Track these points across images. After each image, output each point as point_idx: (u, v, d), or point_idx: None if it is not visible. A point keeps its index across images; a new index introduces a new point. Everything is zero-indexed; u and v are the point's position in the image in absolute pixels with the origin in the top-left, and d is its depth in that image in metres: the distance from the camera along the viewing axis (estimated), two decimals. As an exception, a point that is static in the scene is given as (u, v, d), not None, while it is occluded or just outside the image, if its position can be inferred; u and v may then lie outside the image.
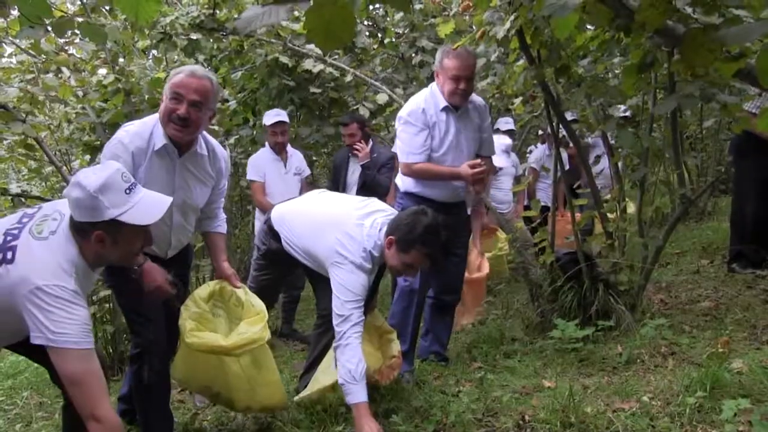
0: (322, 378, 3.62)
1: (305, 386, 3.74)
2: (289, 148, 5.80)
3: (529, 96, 5.19)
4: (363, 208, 3.53)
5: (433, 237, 3.27)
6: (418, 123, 3.98)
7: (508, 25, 3.90)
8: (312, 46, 5.76)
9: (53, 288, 2.22)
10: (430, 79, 7.11)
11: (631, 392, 3.26)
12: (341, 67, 5.72)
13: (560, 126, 4.65)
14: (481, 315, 5.37)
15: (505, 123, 6.90)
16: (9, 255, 2.30)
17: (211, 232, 3.51)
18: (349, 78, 5.73)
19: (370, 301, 3.75)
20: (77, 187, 2.31)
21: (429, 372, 4.09)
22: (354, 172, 5.84)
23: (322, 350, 3.84)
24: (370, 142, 5.79)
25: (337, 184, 5.87)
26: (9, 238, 2.37)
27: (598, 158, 5.29)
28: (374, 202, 3.64)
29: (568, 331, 4.17)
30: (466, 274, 4.77)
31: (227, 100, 6.84)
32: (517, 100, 5.27)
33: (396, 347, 3.72)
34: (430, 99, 4.03)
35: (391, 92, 5.69)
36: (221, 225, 3.53)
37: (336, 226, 3.43)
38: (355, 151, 5.69)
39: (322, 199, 3.88)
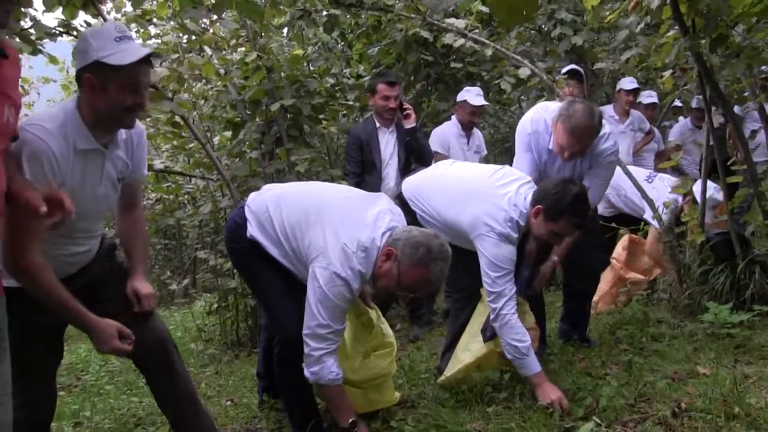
0: (462, 356, 3.60)
1: (446, 365, 3.74)
2: (474, 129, 5.70)
3: (678, 69, 4.91)
4: (501, 178, 3.49)
5: (581, 206, 3.24)
6: (524, 144, 3.79)
7: (665, -7, 3.70)
8: (452, 20, 5.69)
9: (31, 126, 2.27)
10: (569, 52, 6.96)
11: (798, 384, 3.06)
12: (482, 42, 5.60)
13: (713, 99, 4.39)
14: (620, 304, 5.18)
15: (648, 96, 6.60)
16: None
17: None
18: (489, 52, 5.61)
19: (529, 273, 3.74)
20: (80, 36, 2.41)
21: (573, 353, 3.99)
22: (387, 144, 5.20)
23: (461, 327, 3.81)
24: None
25: (368, 162, 5.16)
26: None
27: (754, 133, 4.97)
28: (509, 170, 3.60)
29: (722, 315, 3.97)
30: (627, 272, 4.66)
31: (362, 76, 6.88)
32: (666, 73, 5.01)
33: (531, 319, 3.66)
34: (542, 132, 3.76)
35: (534, 66, 5.52)
36: None
37: (479, 196, 3.41)
38: (407, 112, 5.12)
39: (456, 169, 3.83)
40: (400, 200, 3.77)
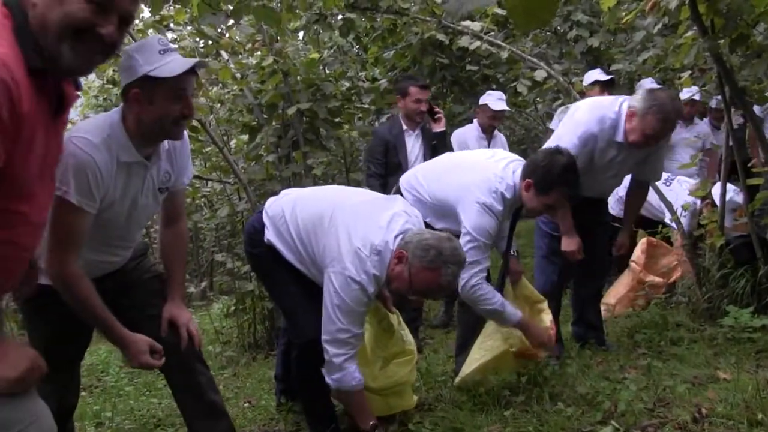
0: (476, 355, 3.60)
1: (460, 367, 3.73)
2: (495, 130, 5.67)
3: (697, 69, 4.88)
4: (491, 156, 3.58)
5: (571, 175, 3.27)
6: (582, 142, 3.70)
7: (683, -6, 3.67)
8: (467, 23, 5.68)
9: (77, 138, 2.27)
10: (585, 54, 6.93)
11: (823, 390, 3.01)
12: (498, 44, 5.59)
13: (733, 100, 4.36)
14: (637, 307, 5.13)
15: (650, 83, 6.39)
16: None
17: None
18: (505, 55, 5.60)
19: (508, 249, 3.77)
20: (123, 53, 2.36)
21: (591, 357, 3.97)
22: (414, 146, 5.14)
23: (472, 327, 3.81)
24: None
25: (392, 164, 5.05)
26: None
27: (774, 134, 4.91)
28: (501, 152, 3.69)
29: (743, 319, 3.94)
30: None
31: (377, 79, 6.89)
32: (685, 74, 4.97)
33: (548, 317, 3.68)
34: (607, 128, 3.70)
35: (550, 69, 5.51)
36: None
37: (466, 169, 3.48)
38: (438, 116, 5.07)
39: (452, 156, 3.96)
40: (396, 191, 3.79)
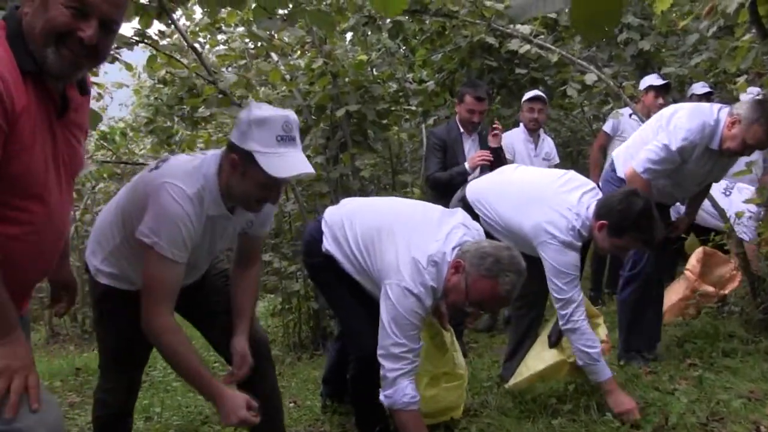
0: (532, 364, 3.59)
1: (511, 372, 3.72)
2: (541, 132, 5.61)
3: (754, 74, 4.78)
4: (565, 184, 3.47)
5: (647, 222, 3.16)
6: (680, 148, 3.65)
7: (743, -3, 3.61)
8: (517, 26, 5.65)
9: (171, 185, 2.25)
10: (635, 57, 6.84)
11: None
12: (548, 47, 5.56)
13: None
14: (688, 316, 5.03)
15: (702, 87, 6.20)
16: (160, 164, 2.43)
17: None
18: (554, 58, 5.56)
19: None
20: (246, 110, 2.31)
21: (639, 366, 3.91)
22: (470, 150, 5.05)
23: (523, 333, 3.81)
24: None
25: (450, 165, 4.98)
26: (171, 157, 2.52)
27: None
28: (573, 175, 3.57)
29: (802, 332, 3.85)
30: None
31: (425, 81, 6.89)
32: (740, 78, 4.88)
33: (603, 331, 3.61)
34: (707, 135, 3.64)
35: (600, 72, 5.44)
36: None
37: (541, 202, 3.38)
38: (495, 132, 4.93)
39: (519, 174, 3.80)
40: (464, 204, 3.77)
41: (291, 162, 2.26)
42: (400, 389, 2.74)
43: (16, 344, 1.65)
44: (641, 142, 3.80)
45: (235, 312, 2.64)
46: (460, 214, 3.07)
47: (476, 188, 3.77)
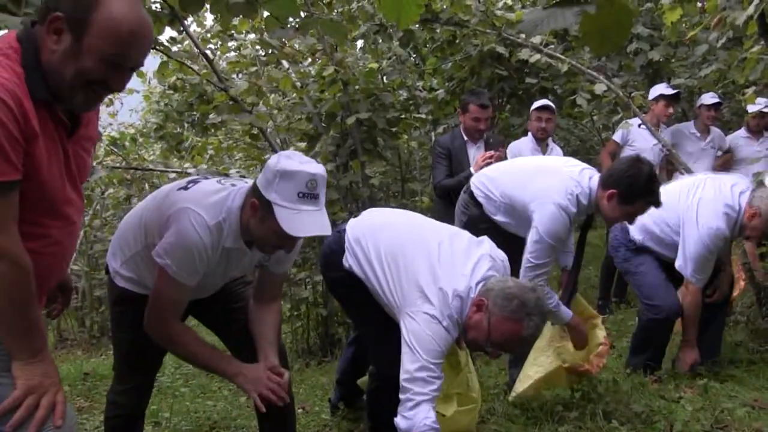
0: (530, 371, 3.60)
1: (513, 380, 3.73)
2: (550, 141, 5.59)
3: (763, 85, 4.81)
4: (567, 162, 3.66)
5: (655, 185, 3.30)
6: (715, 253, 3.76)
7: (751, 9, 3.62)
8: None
9: (193, 212, 2.29)
10: (645, 67, 6.85)
11: None
12: (558, 57, 5.59)
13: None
14: None
15: (711, 97, 6.05)
16: (190, 185, 2.46)
17: None
18: (564, 68, 5.59)
19: (575, 267, 3.77)
20: (277, 157, 2.32)
21: (645, 374, 3.92)
22: (475, 158, 4.93)
23: None
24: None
25: (455, 173, 4.94)
26: (202, 178, 2.54)
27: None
28: (575, 160, 3.74)
29: (807, 342, 3.86)
30: None
31: (435, 89, 6.92)
32: (749, 90, 4.90)
33: (602, 333, 3.67)
34: (731, 226, 3.74)
35: (609, 82, 5.47)
36: None
37: (544, 172, 3.55)
38: (487, 161, 4.61)
39: (530, 159, 4.11)
40: (468, 193, 3.82)
41: (307, 221, 2.26)
42: (421, 413, 2.57)
43: (47, 362, 1.72)
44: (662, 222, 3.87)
45: (259, 344, 2.60)
46: (486, 244, 2.94)
47: (479, 175, 3.89)
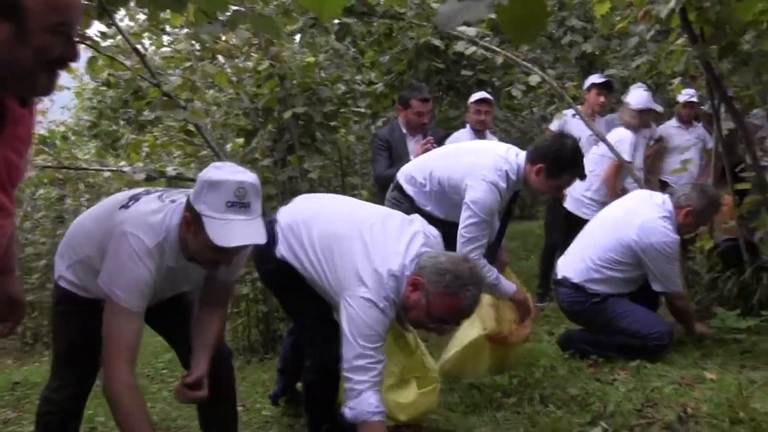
0: (455, 342, 3.74)
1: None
2: (488, 132, 5.58)
3: (688, 76, 4.95)
4: (493, 143, 3.92)
5: (580, 156, 3.44)
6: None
7: (672, 3, 3.73)
8: (463, 28, 5.72)
9: (133, 236, 2.24)
10: (579, 59, 7.00)
11: (805, 391, 3.08)
12: (493, 50, 5.65)
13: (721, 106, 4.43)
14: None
15: (685, 95, 6.03)
16: (131, 203, 2.41)
17: None
18: (499, 60, 5.66)
19: (498, 243, 3.88)
20: (207, 168, 2.28)
21: (581, 358, 4.02)
22: (414, 152, 4.98)
23: None
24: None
25: (395, 166, 4.72)
26: (144, 193, 2.49)
27: (763, 140, 4.98)
28: (502, 143, 3.92)
29: (729, 321, 4.02)
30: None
31: (373, 83, 6.94)
32: (676, 80, 5.05)
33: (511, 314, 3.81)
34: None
35: (544, 74, 5.56)
36: None
37: (472, 151, 3.68)
38: (426, 147, 4.68)
39: (455, 144, 4.24)
40: (397, 189, 3.88)
41: (238, 231, 2.20)
42: (364, 400, 2.57)
43: None
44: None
45: (195, 349, 2.55)
46: (418, 221, 2.93)
47: (404, 170, 3.95)
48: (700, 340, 4.06)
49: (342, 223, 2.87)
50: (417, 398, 3.10)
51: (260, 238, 2.26)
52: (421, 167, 3.80)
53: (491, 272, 3.49)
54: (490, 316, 3.67)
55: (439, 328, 2.76)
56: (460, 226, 3.47)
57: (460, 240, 3.46)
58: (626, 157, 5.27)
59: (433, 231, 2.94)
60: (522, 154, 3.52)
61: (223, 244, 2.18)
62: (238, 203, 2.21)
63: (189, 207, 2.27)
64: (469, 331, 3.67)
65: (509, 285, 3.61)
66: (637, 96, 5.55)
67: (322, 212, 3.01)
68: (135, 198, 2.46)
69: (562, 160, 3.39)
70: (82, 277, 2.51)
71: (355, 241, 2.74)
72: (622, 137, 5.44)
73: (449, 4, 1.31)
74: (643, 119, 5.53)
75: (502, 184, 3.44)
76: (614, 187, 5.43)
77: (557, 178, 3.43)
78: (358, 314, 2.59)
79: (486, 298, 3.66)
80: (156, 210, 2.36)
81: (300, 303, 3.03)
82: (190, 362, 2.55)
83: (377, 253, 2.68)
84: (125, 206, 2.41)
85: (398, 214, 2.99)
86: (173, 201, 2.40)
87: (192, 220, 2.25)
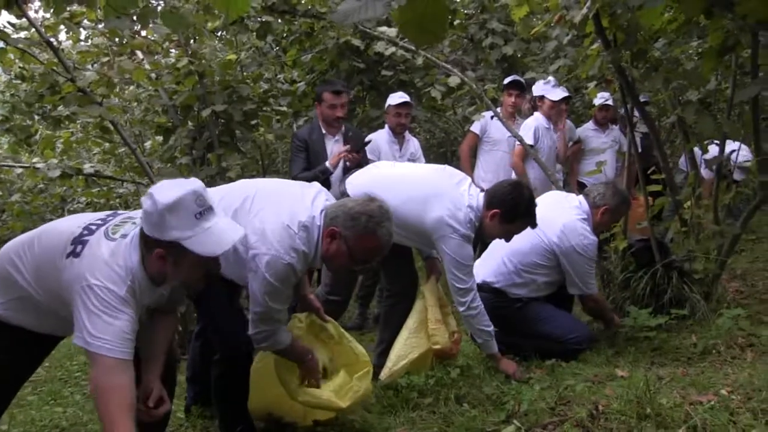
0: (404, 351, 3.69)
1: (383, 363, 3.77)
2: (407, 134, 5.59)
3: (603, 80, 5.08)
4: (451, 176, 3.74)
5: (534, 207, 3.57)
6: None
7: (585, 9, 3.82)
8: (384, 28, 5.74)
9: (102, 290, 2.16)
10: (500, 61, 7.09)
11: (708, 385, 3.18)
12: (413, 50, 5.67)
13: (634, 110, 4.56)
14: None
15: (600, 98, 6.21)
16: (78, 248, 2.28)
17: None
18: (419, 61, 5.69)
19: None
20: (149, 199, 2.21)
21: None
22: (333, 152, 4.99)
23: (397, 325, 3.84)
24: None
25: (312, 166, 4.93)
26: (85, 232, 2.34)
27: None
28: (452, 170, 3.85)
29: (641, 319, 4.11)
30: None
31: (296, 81, 6.88)
32: (591, 84, 5.17)
33: (453, 322, 3.88)
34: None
35: (463, 75, 5.60)
36: None
37: (441, 197, 3.59)
38: (348, 160, 4.83)
39: (402, 169, 4.07)
40: (343, 195, 3.81)
41: (219, 233, 2.24)
42: (276, 338, 2.85)
43: None
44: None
45: (146, 356, 2.49)
46: (316, 184, 3.04)
47: (359, 183, 3.80)
48: (615, 333, 4.17)
49: (245, 188, 2.96)
50: (354, 382, 3.17)
51: (240, 230, 2.34)
52: (374, 193, 3.61)
53: (491, 325, 3.69)
54: (442, 332, 3.72)
55: (364, 269, 3.04)
56: (449, 278, 3.62)
57: (455, 293, 3.63)
58: (528, 141, 5.57)
59: (330, 194, 3.06)
60: (481, 196, 3.63)
61: (216, 251, 2.22)
62: (203, 210, 2.22)
63: (155, 243, 2.21)
64: (415, 341, 3.69)
65: (495, 344, 3.73)
66: (536, 87, 6.02)
67: (227, 187, 3.10)
68: (81, 242, 2.31)
69: (518, 208, 3.53)
70: (26, 312, 2.42)
71: (261, 200, 2.83)
72: (527, 124, 5.86)
73: (348, 2, 1.30)
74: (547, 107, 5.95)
75: (472, 235, 3.59)
76: (523, 170, 5.75)
77: (511, 224, 3.57)
78: (265, 273, 2.67)
79: (433, 316, 3.73)
80: (113, 252, 2.26)
81: (208, 293, 2.94)
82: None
83: (284, 208, 2.77)
84: (75, 254, 2.27)
85: (295, 182, 3.12)
86: (124, 236, 2.31)
87: (167, 252, 2.21)
